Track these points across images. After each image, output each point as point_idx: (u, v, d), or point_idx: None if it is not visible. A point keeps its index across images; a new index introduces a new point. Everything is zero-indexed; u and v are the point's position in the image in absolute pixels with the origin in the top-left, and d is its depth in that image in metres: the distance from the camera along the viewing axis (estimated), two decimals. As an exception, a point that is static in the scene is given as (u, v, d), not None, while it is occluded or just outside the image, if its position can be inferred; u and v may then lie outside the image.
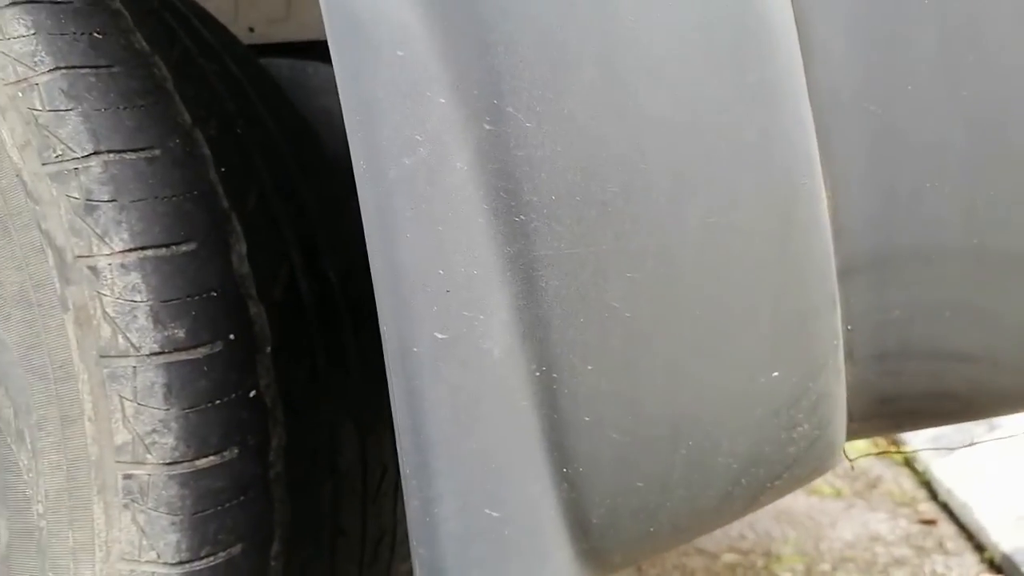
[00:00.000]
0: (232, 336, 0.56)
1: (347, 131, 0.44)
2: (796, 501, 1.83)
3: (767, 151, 0.45)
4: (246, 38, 1.11)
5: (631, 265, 0.44)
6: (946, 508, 1.79)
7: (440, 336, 0.43)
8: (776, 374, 0.46)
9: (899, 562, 1.59)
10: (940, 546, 1.66)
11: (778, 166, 0.45)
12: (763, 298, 0.45)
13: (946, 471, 1.88)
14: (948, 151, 0.47)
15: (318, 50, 1.14)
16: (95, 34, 0.59)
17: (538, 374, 0.44)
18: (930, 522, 1.74)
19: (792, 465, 0.49)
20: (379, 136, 0.43)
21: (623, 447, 0.45)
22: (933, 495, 1.86)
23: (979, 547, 1.60)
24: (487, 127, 0.43)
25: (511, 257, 0.44)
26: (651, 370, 0.45)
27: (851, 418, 0.50)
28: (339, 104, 1.14)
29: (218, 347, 0.55)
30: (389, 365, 0.43)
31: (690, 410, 0.45)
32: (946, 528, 1.72)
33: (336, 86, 1.16)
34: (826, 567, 1.57)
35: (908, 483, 1.94)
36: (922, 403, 0.50)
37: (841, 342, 0.47)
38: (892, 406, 0.50)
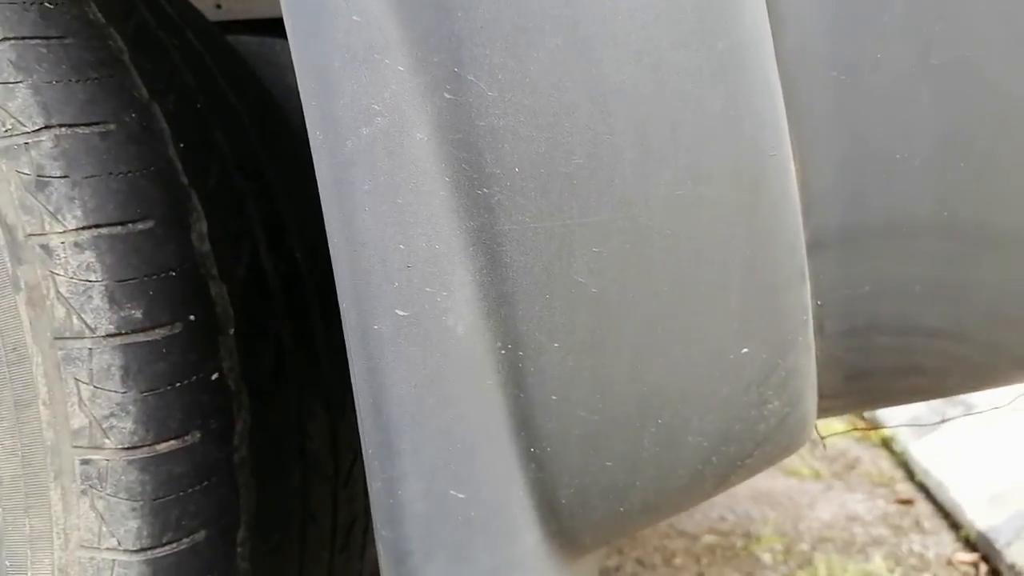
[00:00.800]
0: (192, 317, 0.55)
1: (302, 100, 0.43)
2: (775, 482, 1.84)
3: (735, 121, 0.44)
4: (212, 14, 1.08)
5: (597, 239, 0.43)
6: (923, 488, 1.81)
7: (401, 313, 0.42)
8: (745, 350, 0.45)
9: (877, 541, 1.61)
10: (917, 525, 1.68)
11: (746, 137, 0.44)
12: (732, 273, 0.44)
13: (923, 451, 1.90)
14: (918, 122, 0.46)
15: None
16: (46, 3, 0.57)
17: (503, 352, 0.43)
18: (907, 502, 1.76)
19: (762, 443, 0.48)
20: (335, 105, 0.42)
21: (591, 425, 0.44)
22: (910, 475, 1.88)
23: (955, 525, 1.62)
24: (447, 96, 0.42)
25: (474, 231, 0.43)
26: (618, 347, 0.44)
27: (821, 394, 0.50)
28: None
29: (177, 328, 0.53)
30: (349, 343, 0.42)
31: (659, 387, 0.44)
32: (923, 507, 1.74)
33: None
34: (805, 547, 1.58)
35: (886, 464, 1.96)
36: (892, 379, 0.50)
37: (811, 317, 0.46)
38: (862, 382, 0.50)
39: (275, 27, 1.08)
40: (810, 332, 0.47)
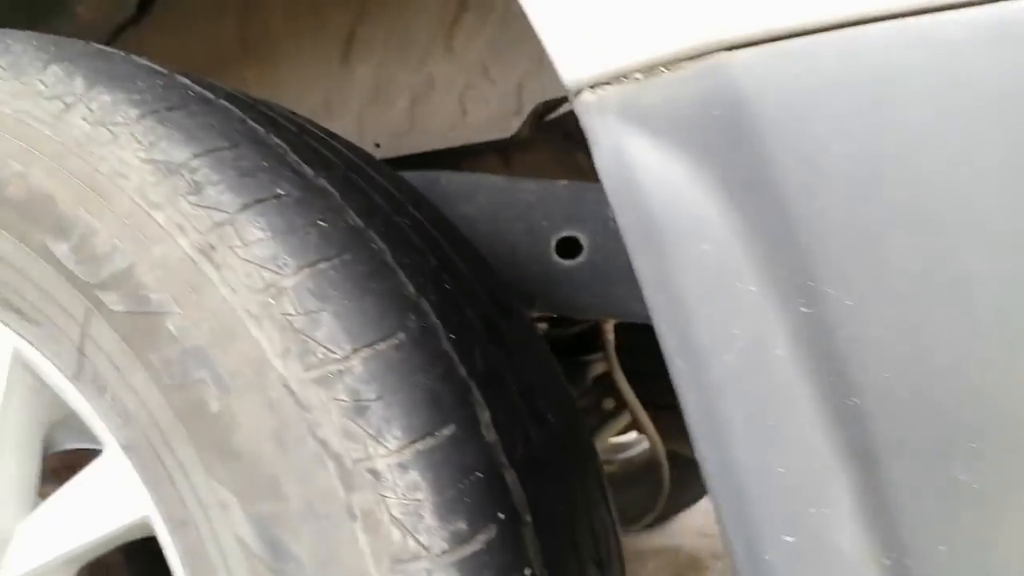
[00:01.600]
0: (501, 515, 0.55)
1: (658, 331, 0.43)
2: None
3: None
4: (373, 154, 1.11)
5: (974, 434, 0.42)
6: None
7: (789, 539, 0.41)
8: None
9: None
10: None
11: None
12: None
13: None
14: None
15: (443, 158, 1.15)
16: (320, 223, 0.59)
17: (888, 562, 0.42)
18: None
19: None
20: (694, 335, 0.42)
21: (989, 630, 0.42)
22: None
23: None
24: (803, 310, 0.42)
25: (847, 443, 0.42)
26: (1006, 543, 0.42)
27: None
28: (477, 211, 1.11)
29: (493, 531, 0.54)
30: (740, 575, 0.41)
31: (1056, 583, 0.42)
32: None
33: (471, 194, 1.14)
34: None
35: None
36: None
37: None
38: None
39: (431, 160, 1.11)
40: None
